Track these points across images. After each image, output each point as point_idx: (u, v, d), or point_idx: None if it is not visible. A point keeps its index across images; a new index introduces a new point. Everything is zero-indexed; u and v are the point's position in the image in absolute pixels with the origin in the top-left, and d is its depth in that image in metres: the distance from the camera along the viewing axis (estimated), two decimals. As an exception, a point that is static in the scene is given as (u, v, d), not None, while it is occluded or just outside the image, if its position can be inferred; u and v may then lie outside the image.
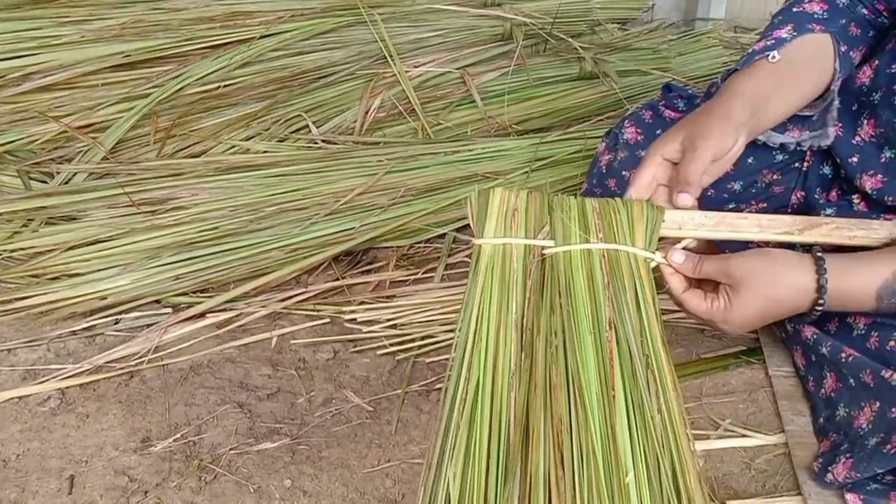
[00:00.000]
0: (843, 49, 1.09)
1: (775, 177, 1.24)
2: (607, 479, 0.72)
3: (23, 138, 1.58)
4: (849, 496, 0.91)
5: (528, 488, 0.72)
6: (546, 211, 0.95)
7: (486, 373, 0.81)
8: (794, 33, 1.07)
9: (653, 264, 0.91)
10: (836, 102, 1.09)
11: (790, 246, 0.98)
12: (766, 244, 1.04)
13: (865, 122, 1.13)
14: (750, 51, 1.09)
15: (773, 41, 1.08)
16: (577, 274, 0.87)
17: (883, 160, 1.08)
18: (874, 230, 0.99)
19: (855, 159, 1.11)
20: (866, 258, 0.94)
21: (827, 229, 0.99)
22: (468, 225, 0.95)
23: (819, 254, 0.92)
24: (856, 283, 0.92)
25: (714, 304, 0.93)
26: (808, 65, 1.08)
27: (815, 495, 0.95)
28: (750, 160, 1.24)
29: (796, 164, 1.23)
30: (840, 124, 1.14)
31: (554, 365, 0.80)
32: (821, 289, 0.90)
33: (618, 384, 0.78)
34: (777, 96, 1.05)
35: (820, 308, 0.92)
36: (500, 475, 0.74)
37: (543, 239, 0.92)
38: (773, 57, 1.05)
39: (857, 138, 1.13)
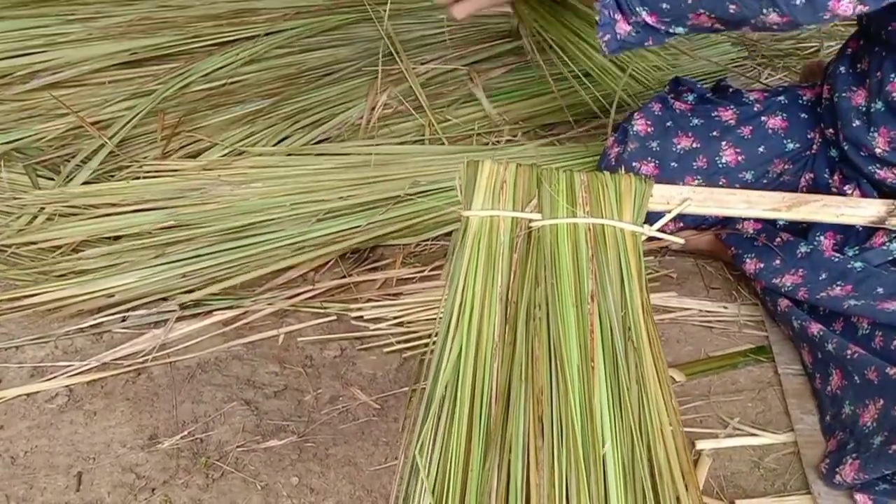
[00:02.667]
0: None
1: (787, 166, 1.24)
2: (585, 450, 0.73)
3: (30, 136, 1.58)
4: (858, 496, 0.91)
5: (508, 457, 0.74)
6: (534, 184, 0.96)
7: (470, 344, 0.82)
8: None
9: (643, 238, 0.92)
10: None
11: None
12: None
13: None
14: None
15: None
16: (562, 247, 0.89)
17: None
18: (862, 208, 0.99)
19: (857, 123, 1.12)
20: None
21: (815, 206, 1.00)
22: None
23: None
24: None
25: None
26: None
27: (824, 495, 0.95)
28: (761, 149, 1.24)
29: (806, 153, 1.24)
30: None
31: (536, 337, 0.82)
32: None
33: (598, 356, 0.80)
34: None
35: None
36: (482, 444, 0.75)
37: (531, 212, 0.92)
38: None
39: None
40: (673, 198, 0.98)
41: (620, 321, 0.83)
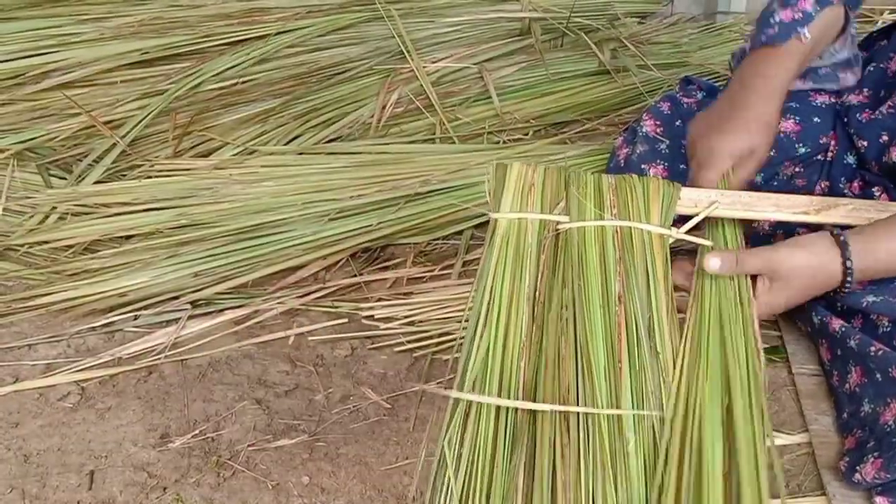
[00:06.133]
0: (852, 15, 1.12)
1: (797, 169, 1.23)
2: (611, 447, 0.74)
3: (42, 135, 1.59)
4: (878, 499, 0.89)
5: (534, 455, 0.74)
6: (562, 186, 0.97)
7: (498, 342, 0.83)
8: (818, 7, 1.06)
9: (670, 241, 0.92)
10: (844, 53, 1.15)
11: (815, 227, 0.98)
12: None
13: (889, 98, 1.13)
14: (770, 19, 1.06)
15: (800, 14, 1.05)
16: (589, 249, 0.89)
17: None
18: (891, 212, 0.98)
19: (885, 137, 1.10)
20: (885, 230, 0.93)
21: (844, 210, 0.99)
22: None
23: (842, 238, 0.92)
24: (884, 257, 0.92)
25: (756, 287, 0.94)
26: (824, 41, 1.10)
27: (840, 496, 0.94)
28: (772, 152, 1.22)
29: (819, 157, 1.22)
30: (869, 91, 1.16)
31: (563, 337, 0.82)
32: (847, 272, 0.91)
33: (624, 357, 0.80)
34: (799, 75, 1.09)
35: (848, 287, 0.93)
36: (508, 442, 0.76)
37: (559, 214, 0.93)
38: (805, 37, 1.04)
39: (879, 114, 1.13)
40: (700, 201, 0.97)
41: (647, 323, 0.83)
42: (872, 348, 0.98)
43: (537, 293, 0.87)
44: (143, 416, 1.09)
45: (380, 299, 1.31)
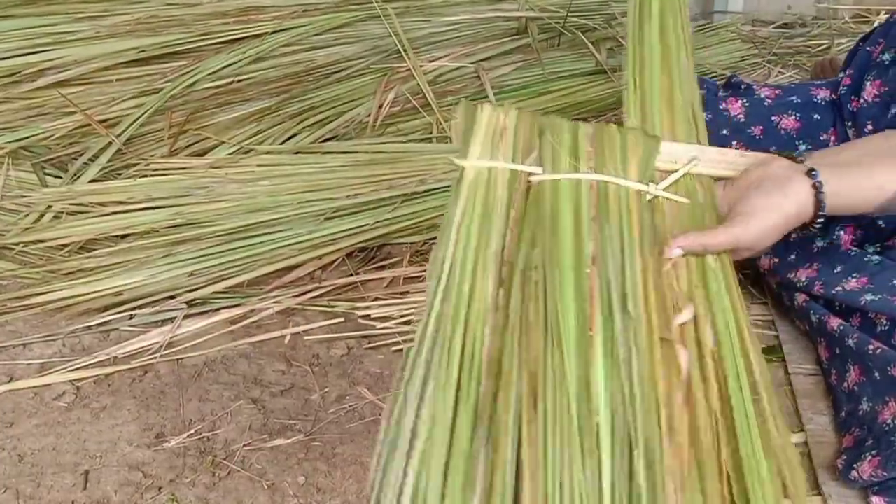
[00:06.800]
0: None
1: None
2: (580, 421, 0.67)
3: (38, 134, 1.58)
4: (874, 499, 0.89)
5: (498, 430, 0.67)
6: (536, 134, 0.88)
7: (461, 307, 0.74)
8: None
9: (648, 197, 0.85)
10: None
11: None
12: None
13: (869, 84, 1.13)
14: None
15: None
16: (563, 204, 0.81)
17: (889, 116, 1.08)
18: None
19: (869, 127, 1.11)
20: (857, 169, 0.89)
21: None
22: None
23: (816, 176, 0.87)
24: (858, 194, 0.88)
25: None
26: None
27: (835, 496, 0.94)
28: (772, 149, 1.22)
29: None
30: (851, 71, 1.17)
31: (532, 302, 0.74)
32: (819, 210, 0.87)
33: (597, 323, 0.73)
34: None
35: (820, 220, 0.89)
36: (470, 414, 0.68)
37: (531, 165, 0.85)
38: None
39: (862, 100, 1.13)
40: (680, 157, 0.90)
41: (621, 287, 0.76)
42: (871, 347, 0.98)
43: (505, 252, 0.78)
44: (138, 416, 1.09)
45: (376, 299, 1.30)
